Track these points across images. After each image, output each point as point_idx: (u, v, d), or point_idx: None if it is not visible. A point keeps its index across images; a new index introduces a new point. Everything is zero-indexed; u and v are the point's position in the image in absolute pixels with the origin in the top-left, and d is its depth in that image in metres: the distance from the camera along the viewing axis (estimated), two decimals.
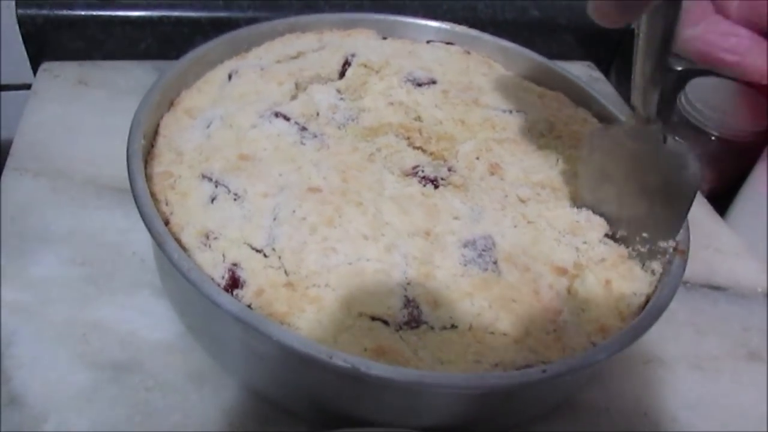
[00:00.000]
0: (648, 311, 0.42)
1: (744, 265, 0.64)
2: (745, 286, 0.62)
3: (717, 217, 0.70)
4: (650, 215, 0.45)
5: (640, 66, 0.41)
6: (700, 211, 0.69)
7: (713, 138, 0.71)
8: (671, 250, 0.45)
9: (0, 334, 0.46)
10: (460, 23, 0.66)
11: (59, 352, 0.46)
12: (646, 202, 0.45)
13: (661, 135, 0.43)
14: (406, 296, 0.40)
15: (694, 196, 0.43)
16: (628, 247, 0.46)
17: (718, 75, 0.76)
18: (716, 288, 0.61)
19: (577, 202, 0.48)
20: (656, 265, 0.45)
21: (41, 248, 0.53)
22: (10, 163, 0.60)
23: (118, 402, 0.44)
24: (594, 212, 0.47)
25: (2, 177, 0.58)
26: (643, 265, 0.45)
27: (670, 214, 0.44)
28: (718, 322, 0.58)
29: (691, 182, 0.43)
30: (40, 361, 0.45)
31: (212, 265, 0.41)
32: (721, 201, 0.72)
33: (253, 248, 0.41)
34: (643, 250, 0.45)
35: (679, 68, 0.78)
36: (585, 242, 0.45)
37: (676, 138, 0.44)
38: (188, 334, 0.48)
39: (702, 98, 0.72)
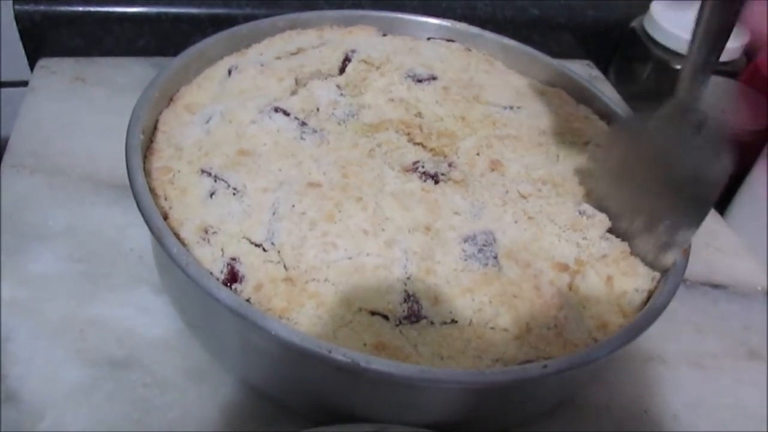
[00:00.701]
0: (650, 308, 0.42)
1: (744, 263, 0.64)
2: (745, 285, 0.62)
3: (717, 215, 0.70)
4: (675, 204, 0.44)
5: (695, 50, 0.40)
6: None
7: None
8: (690, 240, 0.44)
9: None
10: (459, 21, 0.66)
11: (56, 348, 0.46)
12: (671, 192, 0.44)
13: (698, 123, 0.43)
14: (406, 291, 0.40)
15: (723, 185, 0.42)
16: (633, 240, 0.46)
17: (718, 74, 0.76)
18: (716, 286, 0.61)
19: (590, 195, 0.48)
20: (671, 257, 0.44)
21: (38, 245, 0.52)
22: (7, 159, 0.59)
23: (116, 399, 0.44)
24: (607, 206, 0.46)
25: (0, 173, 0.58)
26: (657, 257, 0.45)
27: (696, 203, 0.43)
28: (718, 320, 0.58)
29: (720, 171, 0.42)
30: (36, 358, 0.45)
31: (211, 259, 0.40)
32: (721, 200, 0.72)
33: (252, 243, 0.41)
34: (662, 240, 0.44)
35: (679, 67, 0.77)
36: (586, 238, 0.45)
37: (712, 127, 0.43)
38: (186, 330, 0.48)
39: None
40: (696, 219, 0.44)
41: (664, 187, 0.44)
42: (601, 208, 0.47)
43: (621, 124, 0.47)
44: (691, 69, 0.42)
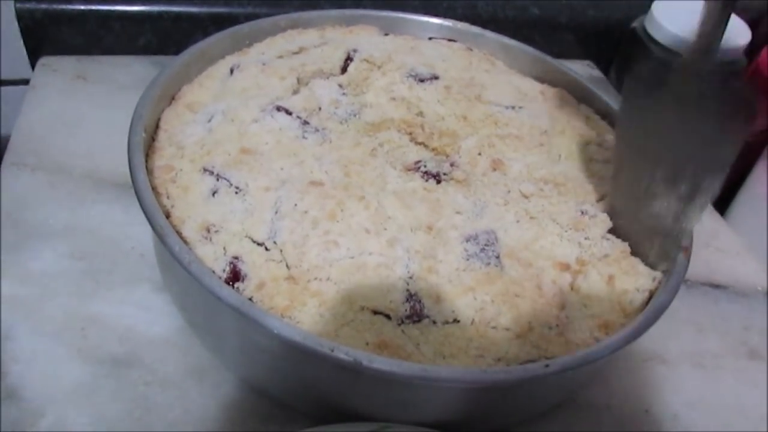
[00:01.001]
0: (651, 308, 0.42)
1: (744, 263, 0.64)
2: (745, 285, 0.62)
3: (717, 215, 0.70)
4: (699, 149, 0.42)
5: None
6: None
7: None
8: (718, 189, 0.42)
9: None
10: (460, 21, 0.66)
11: (57, 346, 0.46)
12: (695, 137, 0.42)
13: (720, 63, 0.42)
14: (408, 290, 0.40)
15: (750, 125, 0.42)
16: (654, 200, 0.44)
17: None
18: (717, 286, 0.61)
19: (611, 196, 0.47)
20: (695, 213, 0.43)
21: (39, 243, 0.52)
22: (8, 157, 0.59)
23: (117, 397, 0.44)
24: (626, 164, 0.46)
25: (0, 172, 0.58)
26: (678, 217, 0.43)
27: (723, 143, 0.42)
28: (718, 320, 0.58)
29: (746, 111, 0.41)
30: (38, 356, 0.45)
31: (213, 258, 0.40)
32: (722, 199, 0.72)
33: (254, 241, 0.41)
34: (686, 190, 0.42)
35: None
36: (588, 238, 0.45)
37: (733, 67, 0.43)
38: (187, 329, 0.48)
39: None
40: (723, 162, 0.42)
41: (687, 134, 0.42)
42: (619, 170, 0.46)
43: (640, 73, 0.45)
44: (711, 11, 0.41)
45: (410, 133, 0.51)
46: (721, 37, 0.42)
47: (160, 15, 0.73)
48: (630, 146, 0.46)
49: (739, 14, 0.82)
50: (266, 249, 0.41)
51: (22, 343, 0.45)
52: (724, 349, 0.56)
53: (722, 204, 0.72)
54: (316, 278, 0.40)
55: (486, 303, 0.40)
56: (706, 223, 0.68)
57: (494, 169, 0.49)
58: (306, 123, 0.48)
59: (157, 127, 0.50)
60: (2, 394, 0.42)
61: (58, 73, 0.70)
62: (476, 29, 0.65)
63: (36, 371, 0.44)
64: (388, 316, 0.39)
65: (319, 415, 0.43)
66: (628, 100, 0.46)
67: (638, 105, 0.45)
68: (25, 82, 0.70)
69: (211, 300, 0.37)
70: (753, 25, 0.80)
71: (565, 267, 0.43)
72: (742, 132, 0.41)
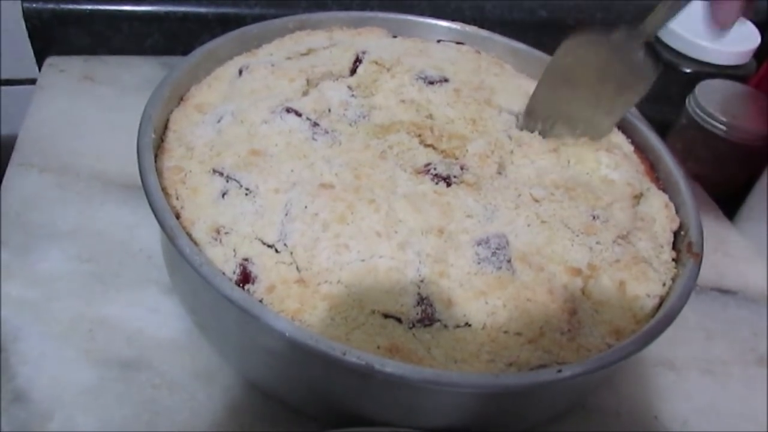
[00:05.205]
0: (663, 314, 0.42)
1: (753, 268, 0.64)
2: (754, 290, 0.62)
3: (726, 220, 0.69)
4: (594, 116, 0.52)
5: None
6: (709, 214, 0.69)
7: (722, 141, 0.71)
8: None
9: (2, 330, 0.46)
10: (468, 23, 0.66)
11: (65, 349, 0.46)
12: (595, 105, 0.52)
13: (642, 50, 0.49)
14: (419, 294, 0.40)
15: (636, 101, 0.51)
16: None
17: (728, 78, 0.75)
18: (726, 292, 0.61)
19: (531, 98, 0.54)
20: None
21: (47, 244, 0.52)
22: (16, 158, 0.59)
23: (125, 400, 0.44)
24: (537, 111, 0.53)
25: (8, 172, 0.58)
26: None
27: (611, 117, 0.53)
28: (727, 325, 0.58)
29: (638, 89, 0.50)
30: (45, 358, 0.45)
31: (223, 260, 0.40)
32: (730, 204, 0.71)
33: (264, 244, 0.41)
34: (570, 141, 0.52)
35: (688, 70, 0.77)
36: (599, 243, 0.44)
37: (658, 60, 0.50)
38: (196, 331, 0.48)
39: (711, 101, 0.72)
40: (604, 131, 0.53)
41: (590, 100, 0.52)
42: (531, 109, 0.53)
43: (572, 42, 0.51)
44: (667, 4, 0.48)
45: (420, 136, 0.50)
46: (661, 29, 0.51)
47: (167, 15, 0.73)
48: (557, 73, 0.53)
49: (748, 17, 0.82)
50: (276, 251, 0.41)
51: (31, 346, 0.45)
52: (733, 355, 0.55)
53: (731, 209, 0.71)
54: (326, 281, 0.39)
55: (498, 307, 0.40)
56: (714, 228, 0.67)
57: (504, 173, 0.49)
58: (316, 125, 0.48)
59: (165, 128, 0.50)
60: (10, 397, 0.42)
61: (65, 74, 0.70)
62: (485, 32, 0.65)
63: (44, 374, 0.44)
64: (399, 320, 0.39)
65: (328, 418, 0.43)
66: (567, 47, 0.52)
67: (564, 70, 0.52)
68: (32, 82, 0.70)
69: (221, 302, 0.37)
70: (763, 28, 0.80)
71: (577, 272, 0.43)
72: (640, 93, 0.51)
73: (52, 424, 0.42)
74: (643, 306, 0.43)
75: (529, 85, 0.59)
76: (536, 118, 0.53)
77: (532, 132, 0.52)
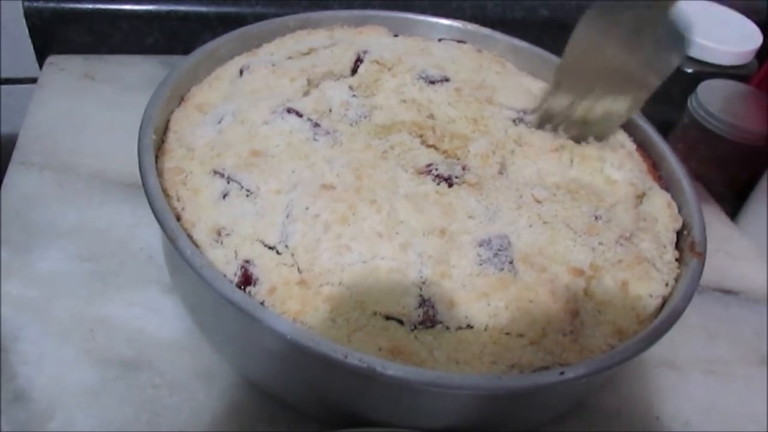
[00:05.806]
0: (665, 314, 0.42)
1: (755, 268, 0.64)
2: (756, 291, 0.62)
3: (728, 220, 0.69)
4: (615, 102, 0.51)
5: None
6: (711, 214, 0.69)
7: (723, 141, 0.71)
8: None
9: (2, 330, 0.46)
10: (469, 21, 0.66)
11: (66, 348, 0.46)
12: (617, 89, 0.50)
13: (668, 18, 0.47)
14: (421, 295, 0.40)
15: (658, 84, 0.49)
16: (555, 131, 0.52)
17: (728, 77, 0.75)
18: (728, 292, 0.61)
19: (557, 75, 0.52)
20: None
21: (47, 243, 0.52)
22: (16, 156, 0.59)
23: (125, 400, 0.43)
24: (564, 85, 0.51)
25: (8, 171, 0.57)
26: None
27: (629, 105, 0.51)
28: (729, 326, 0.58)
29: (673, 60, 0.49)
30: (46, 358, 0.45)
31: (224, 261, 0.40)
32: (733, 204, 0.71)
33: (265, 245, 0.41)
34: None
35: (690, 71, 0.77)
36: (602, 243, 0.44)
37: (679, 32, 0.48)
38: (196, 331, 0.48)
39: (713, 101, 0.72)
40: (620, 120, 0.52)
41: (613, 83, 0.50)
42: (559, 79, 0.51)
43: (601, 5, 0.49)
44: None
45: (421, 136, 0.50)
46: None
47: (168, 14, 0.73)
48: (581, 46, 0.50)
49: (749, 16, 0.82)
50: (278, 253, 0.41)
51: (31, 345, 0.45)
52: (735, 355, 0.55)
53: (733, 209, 0.71)
54: (328, 283, 0.39)
55: (500, 309, 0.40)
56: (716, 228, 0.67)
57: (506, 174, 0.48)
58: (317, 125, 0.48)
59: (166, 128, 0.49)
60: (10, 396, 0.42)
61: (65, 72, 0.70)
62: (486, 30, 0.65)
63: (44, 373, 0.44)
64: (400, 322, 0.39)
65: (329, 419, 0.43)
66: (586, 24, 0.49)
67: (597, 23, 0.49)
68: (33, 80, 0.70)
69: (222, 304, 0.37)
70: (764, 27, 0.80)
71: (579, 272, 0.43)
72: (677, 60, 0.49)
73: (52, 424, 0.41)
74: (646, 306, 0.43)
75: (531, 83, 0.59)
76: (554, 108, 0.52)
77: (543, 127, 0.52)
